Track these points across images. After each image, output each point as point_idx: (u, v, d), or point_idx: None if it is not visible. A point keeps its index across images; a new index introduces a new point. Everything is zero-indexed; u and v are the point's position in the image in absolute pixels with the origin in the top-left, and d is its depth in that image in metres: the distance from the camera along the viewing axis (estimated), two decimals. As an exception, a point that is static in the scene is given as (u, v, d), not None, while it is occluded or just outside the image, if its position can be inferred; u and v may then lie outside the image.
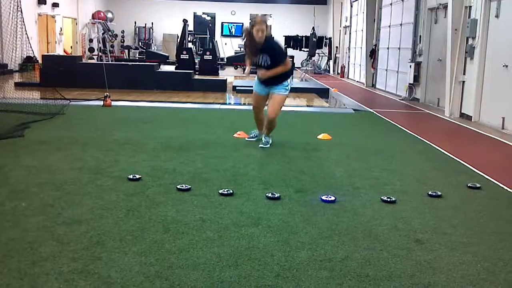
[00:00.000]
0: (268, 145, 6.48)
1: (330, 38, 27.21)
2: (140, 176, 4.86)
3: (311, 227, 3.73)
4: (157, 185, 4.66)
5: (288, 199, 4.37)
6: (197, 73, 17.50)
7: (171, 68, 18.49)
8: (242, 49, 27.25)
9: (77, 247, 3.21)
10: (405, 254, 3.30)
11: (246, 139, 6.87)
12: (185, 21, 19.55)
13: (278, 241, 3.43)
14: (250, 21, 6.42)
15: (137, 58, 25.23)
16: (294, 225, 3.76)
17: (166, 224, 3.68)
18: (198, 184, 4.72)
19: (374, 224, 3.85)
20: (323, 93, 14.57)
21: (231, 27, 30.63)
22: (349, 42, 23.55)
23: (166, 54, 21.40)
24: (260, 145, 6.49)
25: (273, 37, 6.64)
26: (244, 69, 7.09)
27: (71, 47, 24.83)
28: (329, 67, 27.40)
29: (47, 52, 20.72)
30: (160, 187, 4.58)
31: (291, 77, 6.62)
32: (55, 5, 22.17)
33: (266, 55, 6.20)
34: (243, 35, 6.64)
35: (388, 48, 16.72)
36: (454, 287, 2.90)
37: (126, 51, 26.65)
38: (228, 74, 19.36)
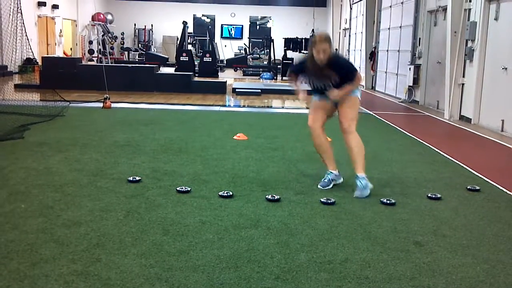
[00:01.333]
0: (368, 190, 4.64)
1: (329, 40, 27.21)
2: (139, 178, 4.86)
3: (310, 229, 3.74)
4: (156, 187, 4.66)
5: (288, 201, 4.37)
6: (196, 75, 17.52)
7: (171, 70, 18.52)
8: (241, 51, 27.36)
9: (77, 248, 3.21)
10: (405, 256, 3.30)
11: (320, 186, 4.88)
12: (184, 23, 19.58)
13: (278, 243, 3.43)
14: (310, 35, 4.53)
15: (136, 60, 25.26)
16: (293, 227, 3.77)
17: (166, 226, 3.68)
18: (197, 186, 4.72)
19: (373, 226, 3.85)
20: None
21: (231, 29, 30.65)
22: (349, 44, 23.57)
23: (166, 56, 21.44)
24: (356, 195, 4.64)
25: (337, 52, 5.11)
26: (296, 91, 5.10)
27: (71, 49, 24.84)
28: (328, 69, 27.37)
29: (47, 54, 20.72)
30: (160, 189, 4.59)
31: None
32: (55, 7, 22.18)
33: (333, 76, 4.78)
34: (304, 59, 5.06)
35: (387, 51, 16.74)
36: (453, 289, 2.90)
37: (126, 53, 26.65)
38: (227, 76, 19.38)
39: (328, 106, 4.95)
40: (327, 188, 4.85)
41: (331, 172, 4.97)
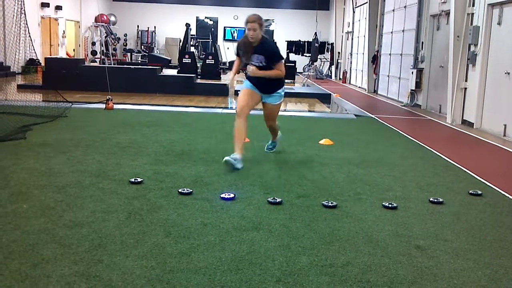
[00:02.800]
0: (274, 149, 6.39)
1: (332, 44, 27.27)
2: (141, 179, 4.86)
3: (312, 232, 3.73)
4: (158, 188, 4.66)
5: (290, 204, 4.37)
6: (199, 77, 17.52)
7: (173, 72, 18.52)
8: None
9: (79, 249, 3.22)
10: (406, 260, 3.30)
11: (227, 159, 5.38)
12: (187, 25, 19.60)
13: (279, 246, 3.43)
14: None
15: (139, 61, 25.28)
16: (295, 230, 3.76)
17: (168, 227, 3.68)
18: (199, 188, 4.72)
19: (375, 230, 3.85)
20: (325, 98, 14.59)
21: (234, 31, 30.69)
22: (351, 47, 23.59)
23: (169, 58, 21.47)
24: (268, 149, 6.43)
25: (272, 40, 6.25)
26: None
27: (74, 50, 24.90)
28: (331, 73, 27.44)
29: (50, 55, 20.76)
30: (162, 191, 4.59)
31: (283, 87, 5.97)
32: (58, 8, 22.25)
33: (260, 56, 5.60)
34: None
35: (390, 54, 16.75)
36: (455, 294, 2.90)
37: (129, 54, 26.72)
38: (230, 79, 19.38)
39: (256, 97, 5.77)
40: (233, 166, 5.34)
41: (237, 155, 5.48)
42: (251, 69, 5.62)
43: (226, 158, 5.34)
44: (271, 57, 5.63)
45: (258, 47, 5.61)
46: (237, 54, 5.92)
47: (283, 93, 5.94)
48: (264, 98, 5.85)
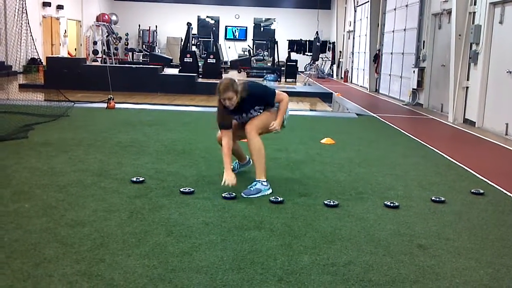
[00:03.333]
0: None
1: (333, 43, 27.24)
2: (143, 178, 4.86)
3: (314, 231, 3.73)
4: (160, 188, 4.66)
5: (291, 203, 4.37)
6: (200, 76, 17.52)
7: (175, 71, 18.51)
8: (245, 52, 27.37)
9: (81, 249, 3.22)
10: (408, 259, 3.30)
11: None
12: (189, 24, 19.58)
13: (281, 245, 3.43)
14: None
15: (141, 60, 25.27)
16: (297, 229, 3.76)
17: (169, 227, 3.68)
18: (201, 187, 4.73)
19: (377, 229, 3.85)
20: (326, 97, 14.58)
21: (235, 30, 30.68)
22: (353, 46, 23.55)
23: (170, 57, 21.44)
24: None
25: (248, 86, 4.76)
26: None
27: (75, 49, 24.91)
28: (332, 72, 27.42)
29: (52, 54, 20.77)
30: (164, 190, 4.59)
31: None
32: (59, 7, 22.25)
33: (254, 108, 4.83)
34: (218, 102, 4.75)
35: (391, 53, 16.73)
36: (457, 293, 2.89)
37: (130, 53, 26.69)
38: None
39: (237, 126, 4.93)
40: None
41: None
42: (277, 127, 4.89)
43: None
44: (265, 100, 4.87)
45: (245, 105, 4.75)
46: (224, 126, 4.80)
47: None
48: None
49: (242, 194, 4.54)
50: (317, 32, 22.01)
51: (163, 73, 14.86)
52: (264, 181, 4.68)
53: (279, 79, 20.63)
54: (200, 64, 19.00)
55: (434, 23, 13.05)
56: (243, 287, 2.82)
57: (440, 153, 6.98)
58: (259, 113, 4.87)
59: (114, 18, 28.17)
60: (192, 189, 4.57)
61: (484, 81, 9.80)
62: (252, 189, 4.60)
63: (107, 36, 24.52)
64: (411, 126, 10.12)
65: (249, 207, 4.20)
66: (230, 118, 4.83)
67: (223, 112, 4.75)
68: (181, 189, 4.56)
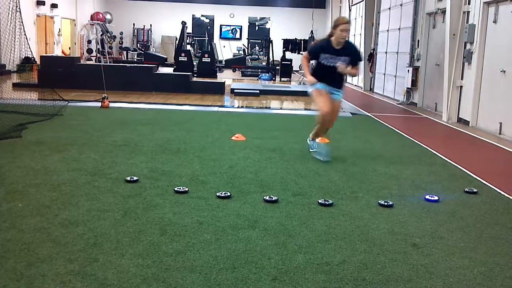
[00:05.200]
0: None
1: (328, 42, 27.23)
2: (137, 178, 4.85)
3: (308, 230, 3.73)
4: (154, 187, 4.65)
5: (286, 203, 4.37)
6: (195, 75, 17.50)
7: (170, 70, 18.49)
8: (240, 51, 27.33)
9: (74, 248, 3.21)
10: (402, 258, 3.30)
11: (318, 157, 6.14)
12: (183, 23, 19.56)
13: (276, 244, 3.43)
14: (333, 23, 5.88)
15: (135, 60, 25.23)
16: (291, 228, 3.76)
17: (163, 226, 3.68)
18: (195, 186, 4.72)
19: (371, 228, 3.85)
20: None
21: (231, 29, 30.63)
22: (348, 46, 23.55)
23: (165, 56, 21.40)
24: (319, 157, 6.10)
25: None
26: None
27: (70, 48, 24.81)
28: (327, 71, 27.39)
29: (46, 53, 20.69)
30: (158, 189, 4.58)
31: None
32: (53, 6, 22.16)
33: (346, 57, 5.87)
34: (318, 40, 6.17)
35: (386, 53, 16.76)
36: (450, 291, 2.90)
37: (125, 52, 26.62)
38: (226, 77, 19.38)
39: (329, 98, 6.03)
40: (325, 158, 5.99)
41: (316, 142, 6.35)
42: (341, 68, 5.85)
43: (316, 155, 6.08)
44: (356, 58, 6.00)
45: (344, 49, 5.87)
46: (314, 57, 6.00)
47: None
48: (332, 94, 6.14)
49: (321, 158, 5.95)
50: (312, 31, 22.03)
51: (157, 72, 14.83)
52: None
53: (274, 78, 20.64)
54: (194, 63, 18.99)
55: (428, 23, 13.08)
56: (237, 286, 2.82)
57: (434, 152, 7.00)
58: (344, 64, 5.84)
59: (108, 16, 28.08)
60: (186, 188, 4.57)
61: (478, 80, 9.83)
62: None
63: (101, 35, 24.45)
64: (406, 125, 10.14)
65: (243, 206, 4.20)
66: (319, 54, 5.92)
67: (319, 48, 5.95)
68: (175, 188, 4.56)
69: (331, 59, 5.87)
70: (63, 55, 22.39)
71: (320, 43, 6.08)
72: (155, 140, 6.86)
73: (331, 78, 6.00)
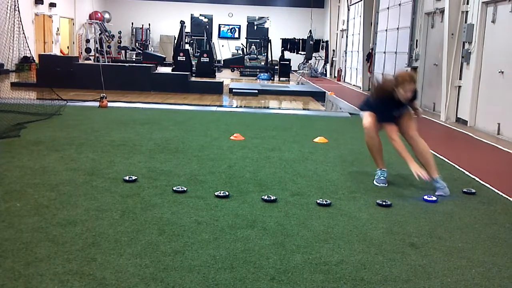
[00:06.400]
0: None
1: (327, 42, 27.28)
2: (135, 177, 4.85)
3: (306, 230, 3.74)
4: (152, 186, 4.65)
5: (284, 202, 4.37)
6: (194, 75, 17.50)
7: (168, 69, 18.48)
8: (239, 51, 27.33)
9: (72, 248, 3.21)
10: (400, 258, 3.31)
11: (379, 185, 5.16)
12: (182, 22, 19.55)
13: (274, 244, 3.43)
14: (395, 77, 5.16)
15: (134, 59, 25.21)
16: (289, 228, 3.77)
17: (162, 226, 3.68)
18: (194, 186, 4.72)
19: (369, 228, 3.86)
20: (319, 96, 14.59)
21: (230, 29, 30.63)
22: (346, 45, 23.58)
23: (163, 56, 21.37)
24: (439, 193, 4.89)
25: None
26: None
27: (68, 47, 24.79)
28: (325, 71, 27.45)
29: (44, 52, 20.67)
30: (156, 189, 4.58)
31: None
32: (52, 5, 22.13)
33: (410, 102, 5.35)
34: (381, 90, 5.30)
35: (384, 52, 16.76)
36: (448, 291, 2.91)
37: (123, 52, 26.61)
38: (225, 77, 19.38)
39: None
40: (383, 185, 5.11)
41: (384, 170, 5.32)
42: (419, 115, 5.56)
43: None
44: (415, 97, 5.42)
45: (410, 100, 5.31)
46: (388, 120, 5.31)
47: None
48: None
49: (441, 194, 4.80)
50: (310, 31, 22.04)
51: (156, 71, 14.82)
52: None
53: (272, 78, 20.65)
54: (193, 63, 18.98)
55: (427, 22, 13.09)
56: (236, 286, 2.82)
57: (432, 152, 6.99)
58: (406, 109, 5.31)
59: (107, 16, 28.06)
60: (185, 188, 4.56)
61: (477, 81, 9.84)
62: (445, 189, 4.87)
63: (100, 34, 24.45)
64: (404, 125, 10.12)
65: (241, 206, 4.21)
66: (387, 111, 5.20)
67: (384, 104, 5.20)
68: (174, 188, 4.56)
69: (398, 111, 5.32)
70: (62, 55, 22.37)
71: (388, 109, 5.25)
72: (154, 139, 6.86)
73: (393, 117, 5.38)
